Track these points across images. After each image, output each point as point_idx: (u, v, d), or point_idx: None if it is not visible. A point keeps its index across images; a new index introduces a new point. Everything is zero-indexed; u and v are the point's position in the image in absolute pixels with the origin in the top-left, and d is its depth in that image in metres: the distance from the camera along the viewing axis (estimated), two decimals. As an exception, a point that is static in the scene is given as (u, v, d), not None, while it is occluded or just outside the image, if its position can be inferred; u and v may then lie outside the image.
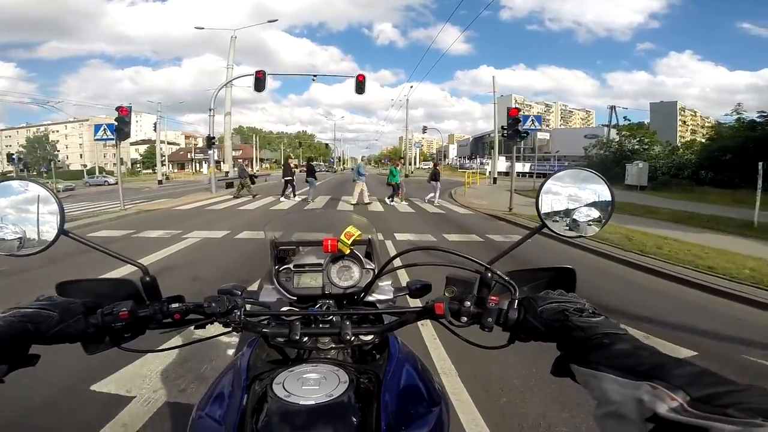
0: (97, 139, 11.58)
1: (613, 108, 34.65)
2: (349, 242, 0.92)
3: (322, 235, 0.99)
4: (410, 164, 44.58)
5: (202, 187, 20.25)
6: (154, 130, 38.80)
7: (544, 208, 0.74)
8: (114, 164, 68.69)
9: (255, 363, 0.83)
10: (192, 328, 0.77)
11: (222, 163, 26.64)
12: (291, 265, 1.02)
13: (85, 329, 0.65)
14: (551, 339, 0.60)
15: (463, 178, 22.79)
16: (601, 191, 0.73)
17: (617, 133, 30.09)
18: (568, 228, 0.74)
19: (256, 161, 52.06)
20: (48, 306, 0.62)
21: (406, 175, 38.13)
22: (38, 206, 0.70)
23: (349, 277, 0.98)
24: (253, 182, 15.94)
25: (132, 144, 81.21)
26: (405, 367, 0.84)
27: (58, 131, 72.20)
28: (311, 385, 0.67)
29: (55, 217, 0.69)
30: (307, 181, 14.67)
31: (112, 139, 11.45)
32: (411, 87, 39.17)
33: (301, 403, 0.62)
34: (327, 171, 58.26)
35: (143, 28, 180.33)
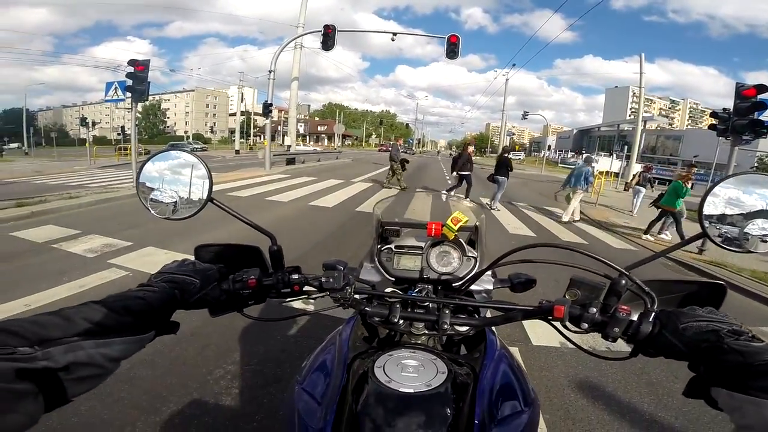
0: (108, 101, 9.20)
1: None
2: (456, 228, 0.88)
3: (427, 218, 1.24)
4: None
5: (258, 161, 17.68)
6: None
7: (709, 215, 0.66)
8: (213, 132, 73.71)
9: (354, 342, 0.84)
10: (305, 299, 0.81)
11: (286, 136, 23.90)
12: (393, 246, 1.00)
13: (219, 296, 0.72)
14: (687, 358, 0.56)
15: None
16: None
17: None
18: (735, 240, 0.64)
19: (339, 138, 50.00)
20: (191, 273, 0.69)
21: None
22: (191, 175, 0.76)
23: (447, 263, 0.95)
24: (404, 168, 11.86)
25: (230, 115, 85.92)
26: (501, 364, 0.81)
27: (168, 99, 78.84)
28: (410, 372, 0.67)
29: (204, 184, 0.76)
30: (494, 180, 9.33)
31: (123, 99, 8.91)
32: (513, 65, 33.08)
33: (400, 390, 0.63)
34: (405, 152, 54.60)
35: (250, 10, 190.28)
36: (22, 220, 5.68)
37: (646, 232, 7.72)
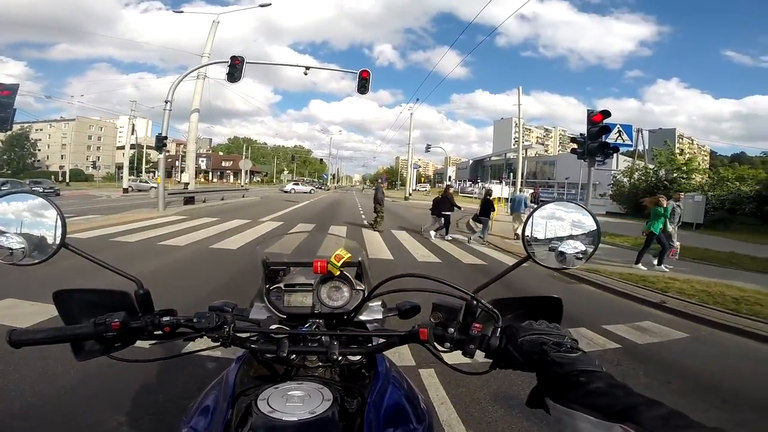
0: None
1: (639, 132, 30.66)
2: (339, 264, 0.92)
3: (313, 256, 0.97)
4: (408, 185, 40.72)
5: (150, 201, 15.98)
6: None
7: (531, 239, 0.74)
8: (95, 167, 64.83)
9: (242, 379, 0.84)
10: (182, 341, 0.78)
11: (184, 172, 22.10)
12: (282, 285, 1.00)
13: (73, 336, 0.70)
14: (530, 369, 0.60)
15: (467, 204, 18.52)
16: (587, 223, 0.73)
17: (653, 159, 26.48)
18: (554, 260, 0.72)
19: (246, 174, 47.75)
20: None
21: (405, 198, 34.73)
22: (41, 219, 0.75)
23: (339, 297, 0.97)
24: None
25: (118, 148, 77.08)
26: (390, 386, 0.85)
27: (41, 129, 68.03)
28: (295, 402, 0.67)
29: (56, 229, 0.75)
30: (479, 220, 10.41)
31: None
32: (417, 100, 35.73)
33: (284, 419, 0.62)
34: (319, 188, 54.60)
35: (153, 35, 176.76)
36: None
37: (636, 262, 7.35)
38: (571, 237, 0.73)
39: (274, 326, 0.86)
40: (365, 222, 13.85)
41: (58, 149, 68.46)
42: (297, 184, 45.61)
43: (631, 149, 28.41)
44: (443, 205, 10.48)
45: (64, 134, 68.70)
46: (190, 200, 16.09)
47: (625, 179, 26.72)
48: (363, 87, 13.59)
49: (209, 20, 20.24)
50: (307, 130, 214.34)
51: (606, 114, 7.04)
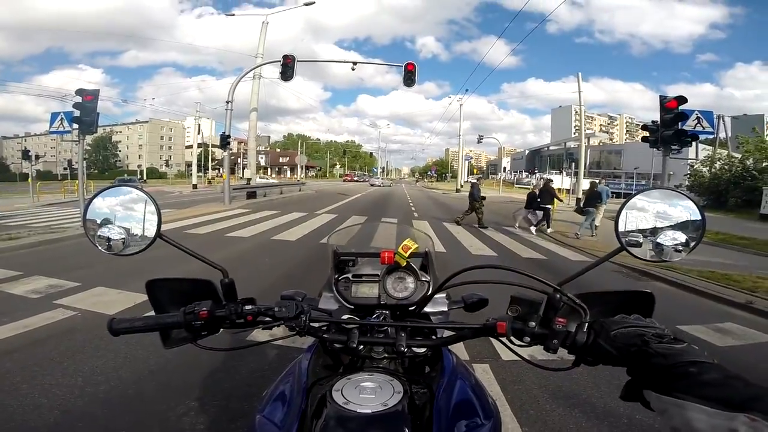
0: (53, 132, 8.72)
1: (720, 118, 27.38)
2: (406, 255, 0.92)
3: (381, 247, 1.01)
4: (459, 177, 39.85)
5: (217, 196, 17.17)
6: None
7: (624, 229, 0.70)
8: (168, 166, 70.91)
9: (314, 368, 0.86)
10: (261, 329, 0.81)
11: (246, 168, 23.40)
12: (350, 275, 1.01)
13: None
14: (622, 364, 0.58)
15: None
16: (690, 213, 0.67)
17: (738, 147, 23.66)
18: (650, 252, 0.68)
19: (302, 169, 49.75)
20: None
21: (457, 190, 34.29)
22: (136, 211, 0.77)
23: (404, 288, 0.98)
24: (479, 207, 11.04)
25: (187, 147, 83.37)
26: (458, 381, 0.83)
27: (120, 132, 75.48)
28: (368, 393, 0.68)
29: (153, 220, 0.77)
30: (585, 211, 9.90)
31: (69, 131, 8.51)
32: (466, 91, 34.95)
33: (358, 411, 0.63)
34: (364, 181, 56.44)
35: (209, 40, 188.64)
36: (-47, 266, 5.14)
37: None
38: (669, 227, 0.67)
39: (345, 316, 0.88)
40: (415, 214, 13.94)
41: (135, 149, 75.28)
42: (379, 178, 58.51)
43: (711, 137, 25.52)
44: (544, 198, 10.28)
45: (140, 135, 75.44)
46: (252, 195, 17.13)
47: (705, 169, 24.13)
48: (409, 79, 13.61)
49: (259, 22, 21.11)
50: (357, 124, 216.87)
51: (681, 100, 6.40)
